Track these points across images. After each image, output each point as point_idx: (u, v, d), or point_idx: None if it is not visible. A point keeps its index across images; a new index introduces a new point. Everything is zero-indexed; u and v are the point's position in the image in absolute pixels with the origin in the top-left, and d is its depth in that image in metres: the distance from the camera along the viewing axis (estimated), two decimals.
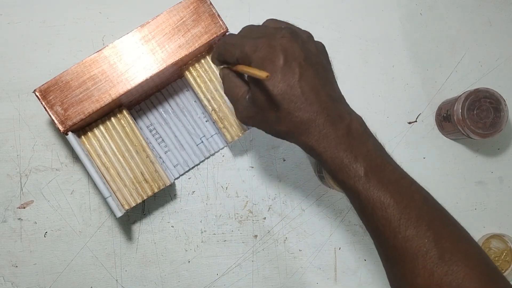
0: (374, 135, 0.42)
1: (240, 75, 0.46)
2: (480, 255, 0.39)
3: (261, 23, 0.44)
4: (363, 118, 0.43)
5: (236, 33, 0.46)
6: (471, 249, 0.39)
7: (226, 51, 0.44)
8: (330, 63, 0.44)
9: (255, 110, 0.43)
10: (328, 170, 0.41)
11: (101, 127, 0.56)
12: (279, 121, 0.41)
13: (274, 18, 0.46)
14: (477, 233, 0.63)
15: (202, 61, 0.57)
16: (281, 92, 0.40)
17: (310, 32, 0.44)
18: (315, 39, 0.45)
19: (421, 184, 0.57)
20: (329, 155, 0.40)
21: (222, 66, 0.48)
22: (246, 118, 0.44)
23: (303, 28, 0.44)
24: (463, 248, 0.38)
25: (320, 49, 0.44)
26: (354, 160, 0.39)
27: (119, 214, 0.53)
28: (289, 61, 0.40)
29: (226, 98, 0.56)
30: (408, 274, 0.38)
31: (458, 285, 0.36)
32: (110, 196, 0.53)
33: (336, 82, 0.44)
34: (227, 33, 0.54)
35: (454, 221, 0.40)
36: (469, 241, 0.40)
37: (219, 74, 0.49)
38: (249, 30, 0.44)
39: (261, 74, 0.38)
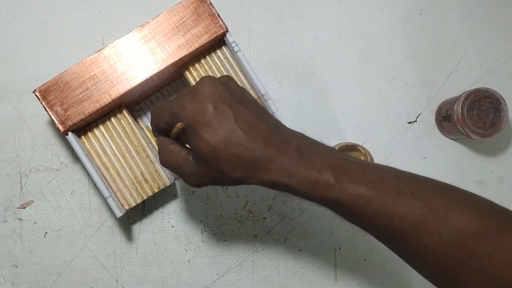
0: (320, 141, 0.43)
1: (176, 140, 0.44)
2: (471, 196, 0.40)
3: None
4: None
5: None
6: (461, 196, 0.40)
7: (157, 118, 0.43)
8: (251, 94, 0.44)
9: (203, 167, 0.41)
10: (302, 194, 0.40)
11: (101, 127, 0.56)
12: (232, 169, 0.40)
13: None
14: None
15: (202, 61, 0.57)
16: (223, 139, 0.39)
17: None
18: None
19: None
20: (296, 181, 0.40)
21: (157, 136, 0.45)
22: (198, 179, 0.42)
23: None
24: (455, 198, 0.39)
25: (239, 86, 0.44)
26: (320, 174, 0.39)
27: (119, 214, 0.53)
28: (218, 106, 0.40)
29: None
30: (421, 248, 0.39)
31: (462, 234, 0.38)
32: (110, 196, 0.53)
33: (266, 109, 0.44)
34: (227, 33, 0.54)
35: (428, 179, 0.41)
36: (456, 190, 0.41)
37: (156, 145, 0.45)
38: (176, 94, 0.43)
39: (175, 128, 0.39)
